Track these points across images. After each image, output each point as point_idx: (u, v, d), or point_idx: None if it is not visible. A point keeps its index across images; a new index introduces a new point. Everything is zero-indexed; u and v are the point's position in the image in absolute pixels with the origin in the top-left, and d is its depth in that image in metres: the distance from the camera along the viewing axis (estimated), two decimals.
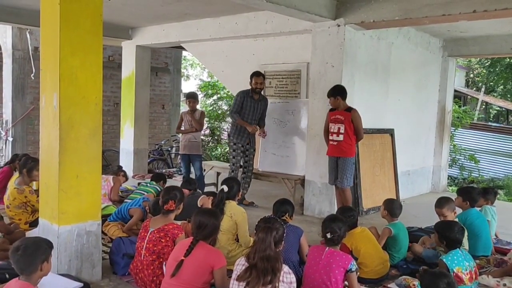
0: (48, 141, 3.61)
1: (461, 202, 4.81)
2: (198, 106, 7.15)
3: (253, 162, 6.90)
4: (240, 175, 6.81)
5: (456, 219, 4.50)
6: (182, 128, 7.04)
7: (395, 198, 6.94)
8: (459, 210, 4.87)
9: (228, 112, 14.74)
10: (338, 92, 5.68)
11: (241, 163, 6.79)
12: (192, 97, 7.13)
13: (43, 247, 2.72)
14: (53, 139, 3.53)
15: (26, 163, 5.31)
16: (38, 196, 5.02)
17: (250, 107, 6.59)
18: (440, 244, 3.81)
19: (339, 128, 5.69)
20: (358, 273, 3.60)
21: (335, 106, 5.74)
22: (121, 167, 7.03)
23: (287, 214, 3.96)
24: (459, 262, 3.50)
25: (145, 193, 5.64)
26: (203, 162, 7.59)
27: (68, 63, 3.48)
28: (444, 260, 3.51)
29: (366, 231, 4.20)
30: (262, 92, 6.83)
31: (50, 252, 2.77)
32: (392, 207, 4.48)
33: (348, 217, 4.02)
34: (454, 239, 3.63)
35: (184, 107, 14.00)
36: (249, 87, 6.63)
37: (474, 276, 3.58)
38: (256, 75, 6.57)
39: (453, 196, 5.55)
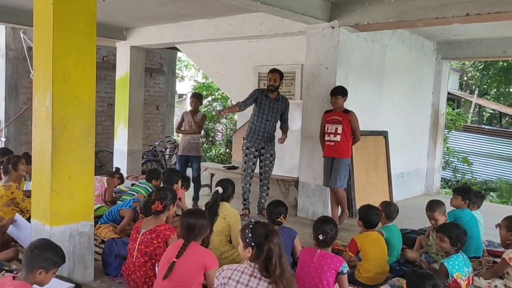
0: (40, 141, 3.59)
1: (460, 201, 4.82)
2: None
3: (270, 169, 6.21)
4: (253, 182, 6.27)
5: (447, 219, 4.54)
6: (182, 129, 7.02)
7: (389, 200, 6.96)
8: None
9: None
10: (346, 92, 5.72)
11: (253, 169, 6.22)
12: (195, 97, 7.09)
13: (48, 257, 2.65)
14: (45, 139, 3.52)
15: (9, 159, 5.28)
16: (24, 195, 5.01)
17: (265, 105, 6.02)
18: (450, 250, 3.67)
19: (336, 129, 5.71)
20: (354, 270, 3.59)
21: (338, 105, 5.73)
22: (118, 169, 6.99)
23: (281, 216, 3.97)
24: (460, 268, 3.50)
25: (136, 194, 5.63)
26: None
27: (61, 63, 3.47)
28: (445, 264, 3.49)
29: (381, 239, 4.16)
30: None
31: (52, 266, 2.67)
32: (390, 210, 4.48)
33: (374, 215, 4.12)
34: (464, 240, 3.64)
35: (179, 108, 14.02)
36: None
37: (471, 282, 3.60)
38: (271, 71, 6.06)
39: (446, 198, 5.59)
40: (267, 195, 6.28)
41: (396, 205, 4.74)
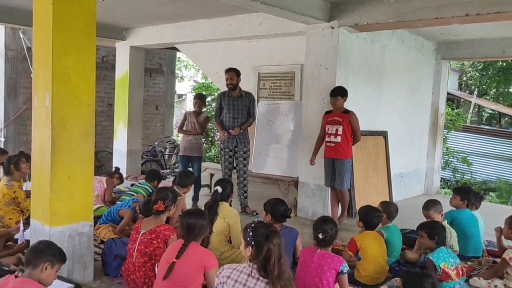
0: (40, 141, 3.59)
1: (458, 201, 4.84)
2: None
3: (245, 166, 6.43)
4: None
5: (445, 221, 4.55)
6: (184, 129, 7.02)
7: (388, 200, 6.96)
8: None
9: None
10: (346, 93, 5.72)
11: (233, 166, 6.52)
12: (199, 98, 7.11)
13: (54, 252, 2.74)
14: (45, 139, 3.52)
15: (10, 160, 5.28)
16: (26, 195, 5.01)
17: (228, 105, 6.32)
18: (430, 245, 3.83)
19: (337, 130, 5.71)
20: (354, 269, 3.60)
21: (337, 106, 5.72)
22: (118, 169, 6.98)
23: (291, 210, 4.01)
24: (445, 258, 3.61)
25: (135, 194, 5.63)
26: None
27: (60, 64, 3.47)
28: (430, 257, 3.62)
29: (380, 238, 4.19)
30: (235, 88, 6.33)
31: (58, 261, 2.75)
32: (390, 210, 4.49)
33: (376, 217, 4.16)
34: (443, 234, 3.78)
35: (178, 109, 14.00)
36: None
37: (461, 273, 3.67)
38: (226, 71, 6.37)
39: (446, 198, 5.59)
40: (245, 192, 6.48)
41: (395, 204, 4.75)
